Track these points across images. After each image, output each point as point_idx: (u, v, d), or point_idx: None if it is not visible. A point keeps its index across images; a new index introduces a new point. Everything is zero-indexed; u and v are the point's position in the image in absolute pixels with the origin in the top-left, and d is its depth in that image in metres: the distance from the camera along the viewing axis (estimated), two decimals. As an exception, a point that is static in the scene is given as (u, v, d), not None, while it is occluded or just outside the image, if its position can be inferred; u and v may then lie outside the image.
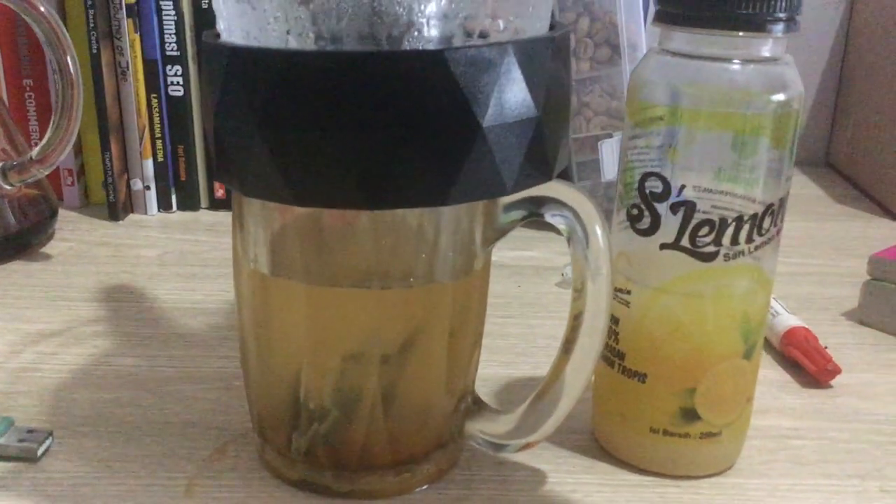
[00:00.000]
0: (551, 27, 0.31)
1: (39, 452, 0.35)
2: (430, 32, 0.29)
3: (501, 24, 0.29)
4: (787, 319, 0.46)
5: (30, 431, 0.35)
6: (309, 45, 0.28)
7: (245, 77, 0.28)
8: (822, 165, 0.85)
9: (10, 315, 0.48)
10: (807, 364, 0.44)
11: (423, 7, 0.28)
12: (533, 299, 0.53)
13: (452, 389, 0.34)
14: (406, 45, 0.28)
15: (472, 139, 0.27)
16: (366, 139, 0.27)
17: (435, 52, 0.27)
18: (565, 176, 0.62)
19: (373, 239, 0.30)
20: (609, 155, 0.61)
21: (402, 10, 0.28)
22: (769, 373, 0.45)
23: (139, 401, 0.39)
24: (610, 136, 0.61)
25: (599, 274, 0.31)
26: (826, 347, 0.46)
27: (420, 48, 0.28)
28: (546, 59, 0.29)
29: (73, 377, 0.41)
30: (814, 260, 0.61)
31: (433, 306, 0.31)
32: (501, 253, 0.60)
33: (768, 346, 0.47)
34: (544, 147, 0.30)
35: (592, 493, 0.34)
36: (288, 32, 0.29)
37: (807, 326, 0.46)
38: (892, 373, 0.45)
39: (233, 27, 0.30)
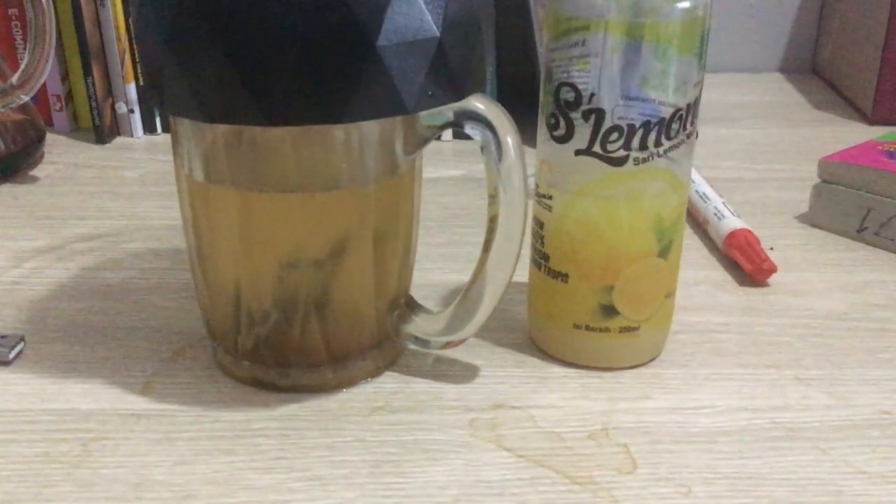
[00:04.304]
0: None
1: (11, 356, 0.38)
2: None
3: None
4: (731, 222, 0.48)
5: (3, 337, 0.38)
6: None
7: None
8: (808, 72, 0.86)
9: (-3, 234, 0.51)
10: (744, 263, 0.46)
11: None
12: (495, 209, 0.55)
13: (383, 292, 0.36)
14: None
15: (368, 59, 0.29)
16: (262, 58, 0.29)
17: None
18: (532, 91, 0.63)
19: (294, 148, 0.32)
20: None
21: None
22: (710, 273, 0.47)
23: (109, 309, 0.43)
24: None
25: (511, 182, 0.33)
26: (771, 249, 0.48)
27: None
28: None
29: (50, 290, 0.44)
30: (779, 165, 0.62)
31: (358, 210, 0.34)
32: (472, 167, 0.62)
33: (713, 247, 0.49)
34: (450, 67, 0.31)
35: (518, 384, 0.37)
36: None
37: (750, 229, 0.48)
38: (831, 270, 0.47)
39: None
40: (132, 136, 0.67)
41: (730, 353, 0.39)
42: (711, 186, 0.52)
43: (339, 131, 0.32)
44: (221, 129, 0.32)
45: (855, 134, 0.68)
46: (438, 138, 0.34)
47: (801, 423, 0.35)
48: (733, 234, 0.47)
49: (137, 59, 0.32)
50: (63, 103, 0.67)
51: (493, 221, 0.34)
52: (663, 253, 0.36)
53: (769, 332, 0.41)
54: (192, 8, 0.29)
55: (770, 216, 0.54)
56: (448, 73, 0.31)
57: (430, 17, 0.30)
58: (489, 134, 0.33)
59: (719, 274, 0.47)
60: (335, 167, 0.33)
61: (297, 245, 0.34)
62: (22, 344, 0.38)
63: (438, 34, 0.30)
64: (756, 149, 0.66)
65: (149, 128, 0.67)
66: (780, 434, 0.34)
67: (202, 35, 0.29)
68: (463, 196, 0.57)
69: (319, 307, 0.35)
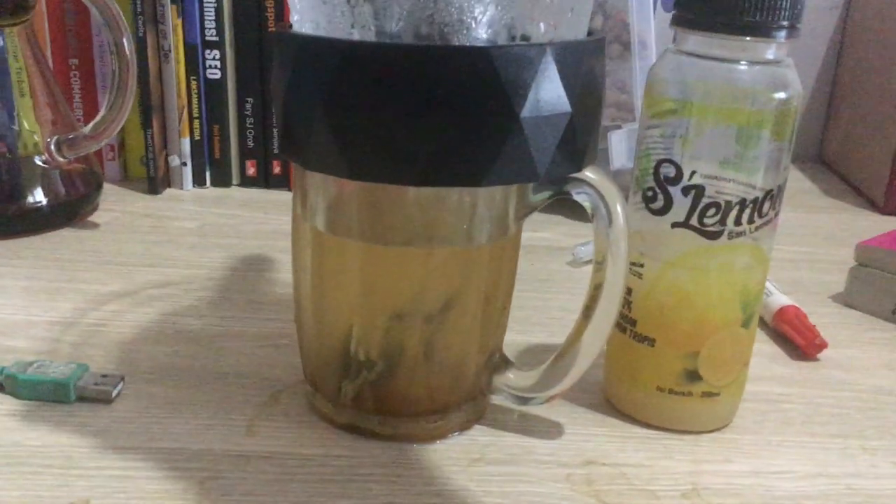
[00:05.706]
0: (588, 33, 0.35)
1: (114, 394, 0.39)
2: (478, 33, 0.33)
3: (542, 27, 0.33)
4: (779, 299, 0.51)
5: (104, 376, 0.39)
6: (370, 38, 0.33)
7: (313, 64, 0.32)
8: (816, 161, 0.90)
9: (68, 277, 0.52)
10: (796, 338, 0.48)
11: (473, 11, 0.32)
12: (546, 276, 0.57)
13: (484, 347, 0.38)
14: (456, 43, 0.32)
15: (511, 128, 0.32)
16: (415, 123, 0.31)
17: (481, 49, 0.31)
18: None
19: (420, 207, 0.35)
20: (617, 144, 0.65)
21: (454, 11, 0.32)
22: (763, 346, 0.49)
23: (196, 354, 0.44)
24: (619, 126, 0.65)
25: (619, 248, 0.35)
26: (815, 326, 0.51)
27: (468, 45, 0.32)
28: (581, 61, 0.33)
29: (135, 333, 0.45)
30: (805, 248, 0.65)
31: (472, 267, 0.36)
32: (523, 233, 0.64)
33: (762, 322, 0.52)
34: (576, 140, 0.34)
35: (604, 443, 0.39)
36: (352, 26, 0.33)
37: (798, 305, 0.50)
38: (874, 349, 0.50)
39: (304, 19, 0.34)
40: (182, 188, 0.68)
41: (796, 423, 0.41)
42: (755, 264, 0.55)
43: (459, 194, 0.35)
44: (352, 184, 0.34)
45: (868, 221, 0.72)
46: (543, 208, 0.36)
47: (876, 490, 0.37)
48: (784, 310, 0.50)
49: (276, 116, 0.34)
50: (116, 153, 0.69)
51: (597, 289, 0.36)
52: (746, 322, 0.39)
53: (829, 404, 0.43)
54: (351, 75, 0.31)
55: (805, 295, 0.56)
56: (574, 146, 0.34)
57: (565, 94, 0.32)
58: (599, 201, 0.35)
59: (771, 347, 0.49)
60: (456, 226, 0.35)
61: (414, 297, 0.36)
62: (122, 384, 0.39)
63: (571, 109, 0.33)
64: (780, 230, 0.69)
65: (198, 181, 0.69)
66: (858, 500, 0.36)
67: (359, 98, 0.31)
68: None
69: (425, 359, 0.37)
